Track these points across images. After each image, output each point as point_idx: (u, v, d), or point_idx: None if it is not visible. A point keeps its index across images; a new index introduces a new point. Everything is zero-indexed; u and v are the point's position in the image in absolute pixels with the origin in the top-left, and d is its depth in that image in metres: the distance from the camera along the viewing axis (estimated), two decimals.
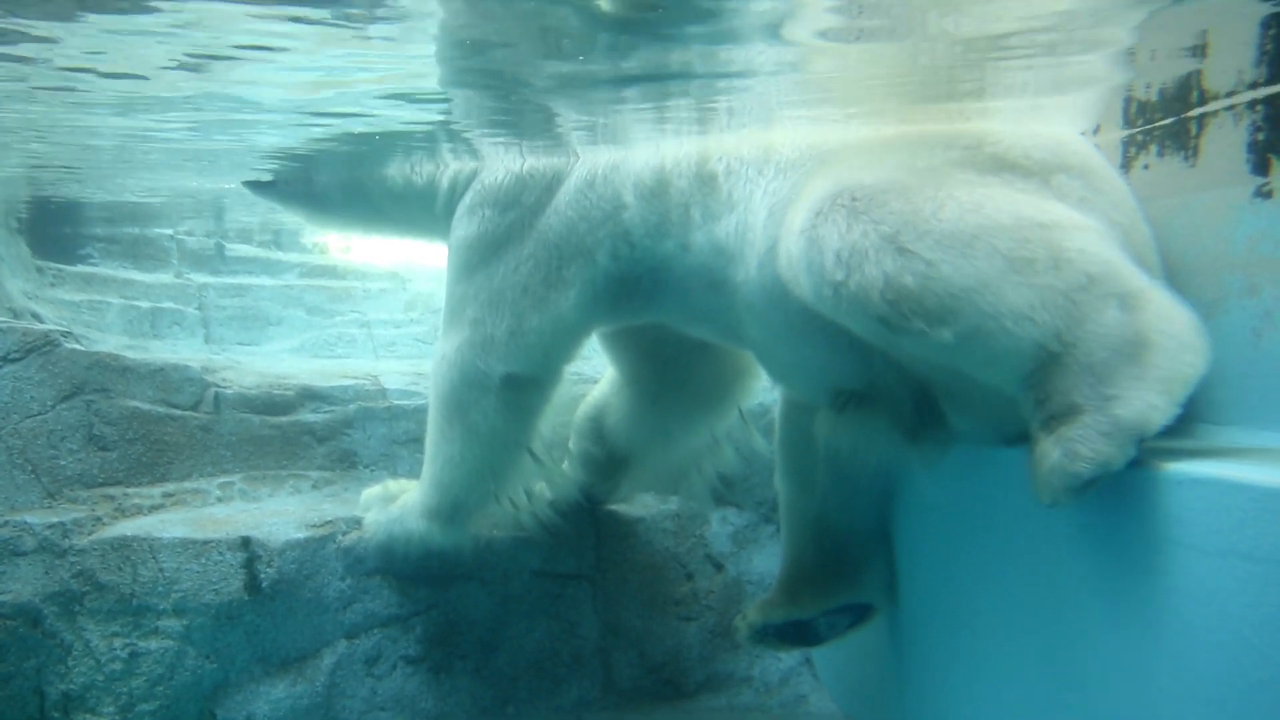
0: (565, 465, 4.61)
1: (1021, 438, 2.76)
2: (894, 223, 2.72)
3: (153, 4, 2.60)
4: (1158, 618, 2.28)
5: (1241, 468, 2.19)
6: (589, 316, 3.89)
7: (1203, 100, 3.04)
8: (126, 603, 4.15)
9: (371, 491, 4.51)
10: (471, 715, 4.51)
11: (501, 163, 4.07)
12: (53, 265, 6.22)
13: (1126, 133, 3.38)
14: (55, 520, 4.27)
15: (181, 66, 3.20)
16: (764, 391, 4.47)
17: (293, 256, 7.12)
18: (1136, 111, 3.35)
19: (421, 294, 7.02)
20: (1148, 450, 2.40)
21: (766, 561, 4.94)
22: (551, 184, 3.91)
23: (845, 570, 3.79)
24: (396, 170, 4.43)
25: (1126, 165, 3.37)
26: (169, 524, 4.37)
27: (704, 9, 2.67)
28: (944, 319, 2.62)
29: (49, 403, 4.60)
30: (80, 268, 6.37)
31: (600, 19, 2.75)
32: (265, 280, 6.87)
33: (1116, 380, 2.45)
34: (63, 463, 4.58)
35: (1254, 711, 2.03)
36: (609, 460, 4.60)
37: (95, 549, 4.20)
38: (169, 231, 6.79)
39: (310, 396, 5.10)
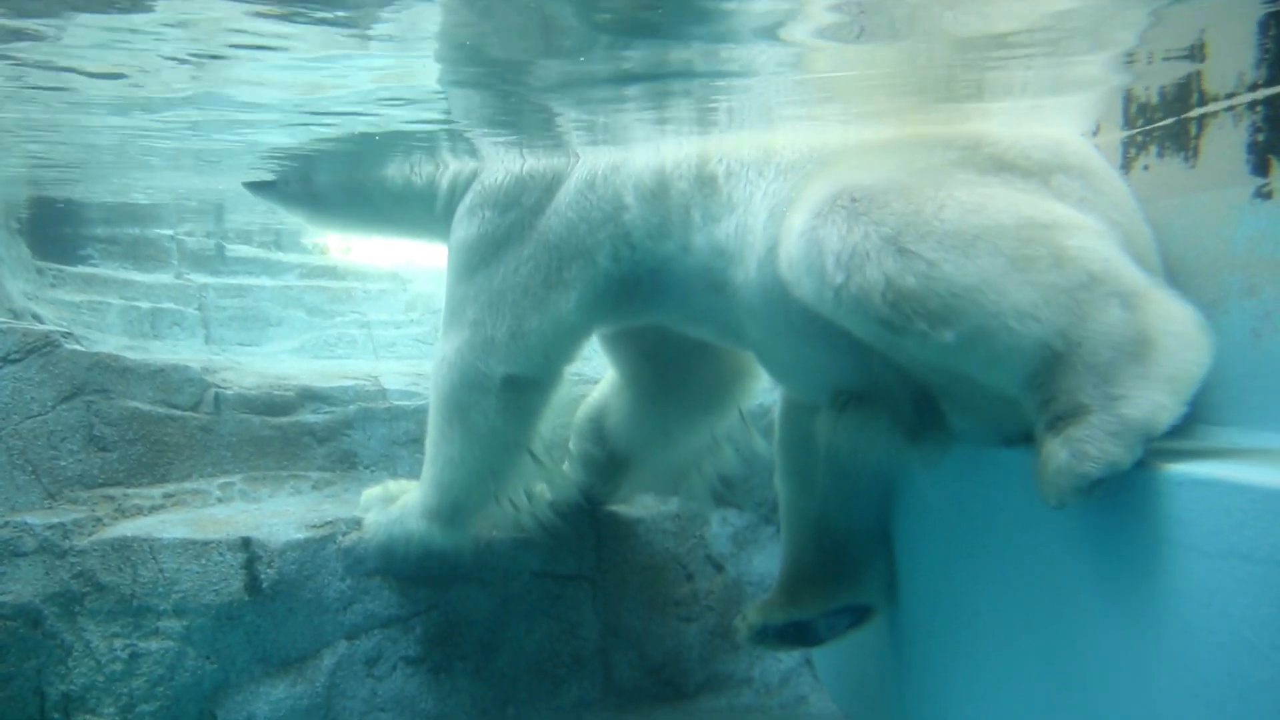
0: (565, 466, 4.62)
1: (1022, 438, 2.76)
2: (895, 223, 2.72)
3: (150, 2, 2.61)
4: (1157, 618, 2.28)
5: (1241, 468, 2.19)
6: (589, 318, 3.89)
7: (1203, 101, 3.04)
8: (127, 603, 4.16)
9: (371, 492, 4.51)
10: (471, 716, 4.51)
11: (501, 164, 4.07)
12: (53, 266, 6.22)
13: (1126, 133, 3.38)
14: (55, 521, 4.27)
15: (180, 65, 3.20)
16: (764, 392, 4.47)
17: (293, 257, 7.12)
18: (1136, 112, 3.35)
19: (422, 295, 7.02)
20: (1148, 451, 2.40)
21: (767, 562, 4.94)
22: (551, 185, 3.91)
23: (845, 571, 3.79)
24: (396, 171, 4.43)
25: (1126, 166, 3.37)
26: (169, 525, 4.37)
27: (704, 8, 2.67)
28: (946, 319, 2.61)
29: (49, 403, 4.60)
30: (80, 268, 6.36)
31: (600, 18, 2.75)
32: (265, 281, 6.87)
33: (1122, 380, 2.44)
34: (63, 463, 4.58)
35: (1254, 712, 2.03)
36: (609, 461, 4.60)
37: (95, 550, 4.20)
38: (169, 232, 6.78)
39: (310, 397, 5.11)
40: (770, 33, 2.82)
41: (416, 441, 4.68)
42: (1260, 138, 2.82)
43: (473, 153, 4.22)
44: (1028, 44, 2.93)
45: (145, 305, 6.33)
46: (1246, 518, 2.05)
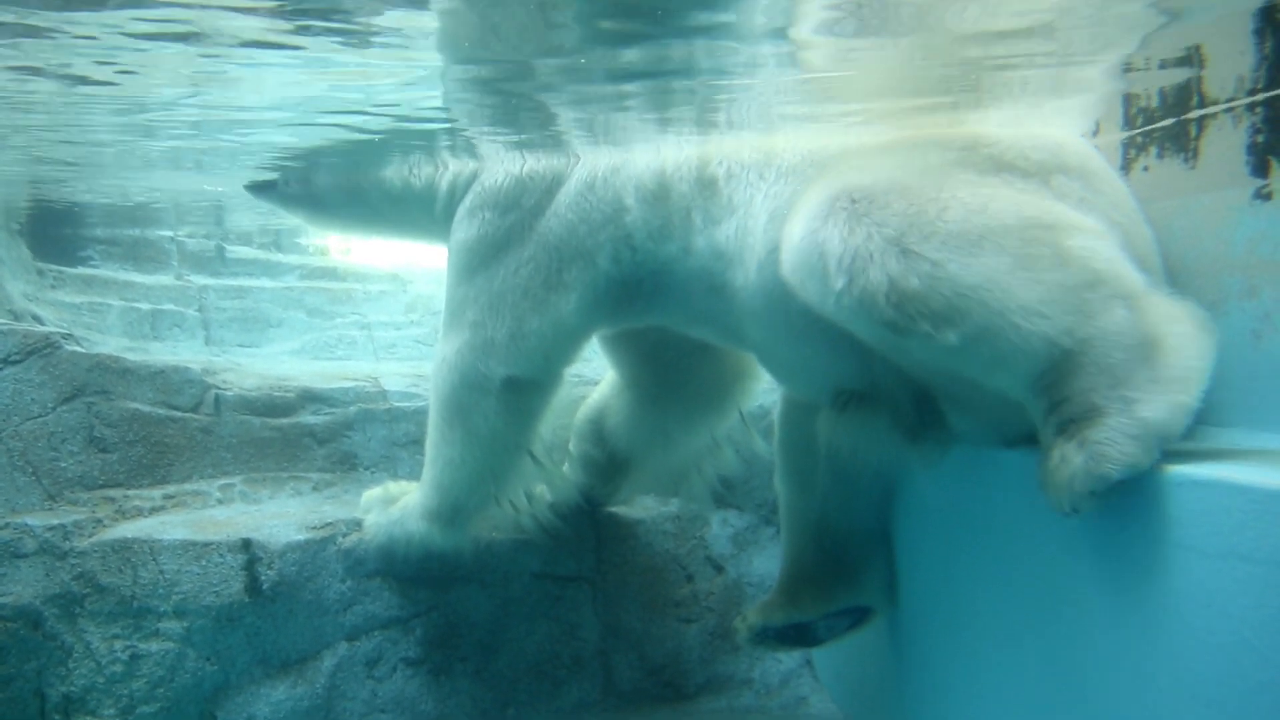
0: (565, 467, 4.61)
1: (1022, 439, 2.76)
2: (897, 224, 2.71)
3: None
4: (1158, 619, 2.28)
5: (1242, 469, 2.19)
6: (590, 319, 3.89)
7: (1203, 103, 3.05)
8: (127, 605, 4.16)
9: (372, 493, 4.51)
10: (472, 717, 4.51)
11: (501, 165, 4.07)
12: (53, 267, 6.22)
13: (1126, 134, 3.38)
14: (56, 522, 4.27)
15: (181, 66, 3.21)
16: (764, 393, 4.48)
17: (293, 258, 7.12)
18: (1136, 113, 3.35)
19: (422, 296, 7.02)
20: None
21: (767, 563, 4.94)
22: (551, 186, 3.91)
23: (845, 572, 3.79)
24: (395, 173, 4.43)
25: (1126, 167, 3.37)
26: (169, 526, 4.37)
27: (704, 7, 2.67)
28: (951, 319, 2.60)
29: (50, 405, 4.60)
30: (81, 270, 6.36)
31: (602, 23, 2.75)
32: (265, 282, 6.86)
33: (1135, 382, 2.43)
34: (63, 465, 4.58)
35: (1254, 713, 2.03)
36: (609, 462, 4.60)
37: (96, 551, 4.20)
38: (169, 234, 6.78)
39: (311, 398, 5.11)
40: (769, 30, 2.82)
41: (417, 443, 4.68)
42: (1260, 139, 2.83)
43: (473, 153, 4.22)
44: (1026, 49, 2.94)
45: (145, 307, 6.33)
46: (1247, 519, 2.05)
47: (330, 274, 7.09)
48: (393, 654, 4.45)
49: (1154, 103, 3.27)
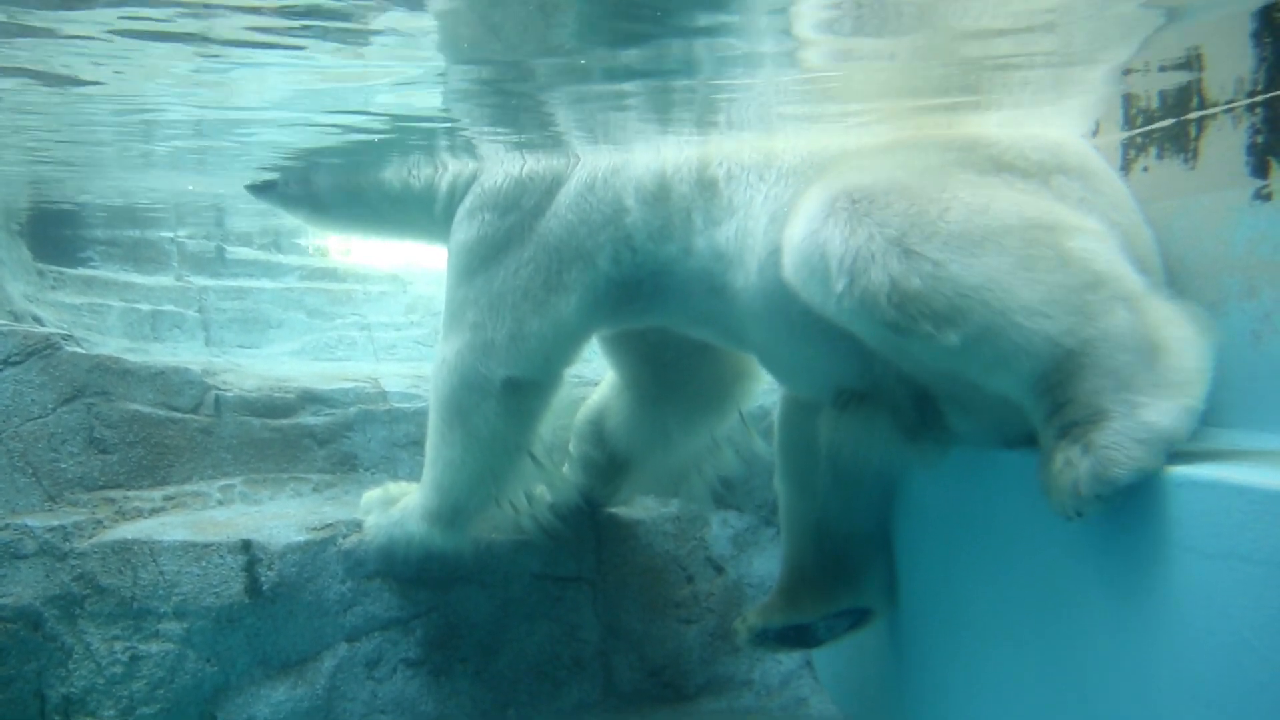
0: (565, 468, 4.61)
1: (1022, 441, 2.76)
2: (899, 225, 2.71)
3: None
4: (1158, 620, 2.28)
5: (1242, 470, 2.19)
6: (590, 320, 3.89)
7: (1202, 104, 3.05)
8: (127, 606, 4.16)
9: (372, 494, 4.51)
10: (472, 718, 4.51)
11: (501, 166, 4.07)
12: (53, 268, 6.22)
13: (1126, 135, 3.38)
14: (56, 523, 4.27)
15: (180, 68, 3.21)
16: (764, 394, 4.48)
17: (293, 259, 7.12)
18: (1136, 113, 3.35)
19: (422, 297, 7.02)
20: None
21: (767, 564, 4.94)
22: (551, 187, 3.91)
23: (845, 574, 3.79)
24: (394, 174, 4.43)
25: (1126, 167, 3.37)
26: (169, 527, 4.37)
27: (704, 6, 2.67)
28: (952, 320, 2.59)
29: (50, 406, 4.60)
30: (81, 271, 6.37)
31: (600, 15, 2.75)
32: (265, 283, 6.87)
33: (1139, 385, 2.42)
34: (63, 466, 4.59)
35: (1254, 714, 2.03)
36: (609, 463, 4.60)
37: (96, 552, 4.20)
38: (169, 234, 6.79)
39: (311, 399, 5.11)
40: (770, 29, 2.81)
41: (417, 444, 4.68)
42: (1259, 140, 2.83)
43: (472, 153, 4.22)
44: (1027, 48, 2.94)
45: (146, 307, 6.33)
46: (1247, 519, 2.05)
47: (330, 275, 7.09)
48: (393, 655, 4.45)
49: (1154, 103, 3.27)
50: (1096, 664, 2.51)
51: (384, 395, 5.19)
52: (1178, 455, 2.36)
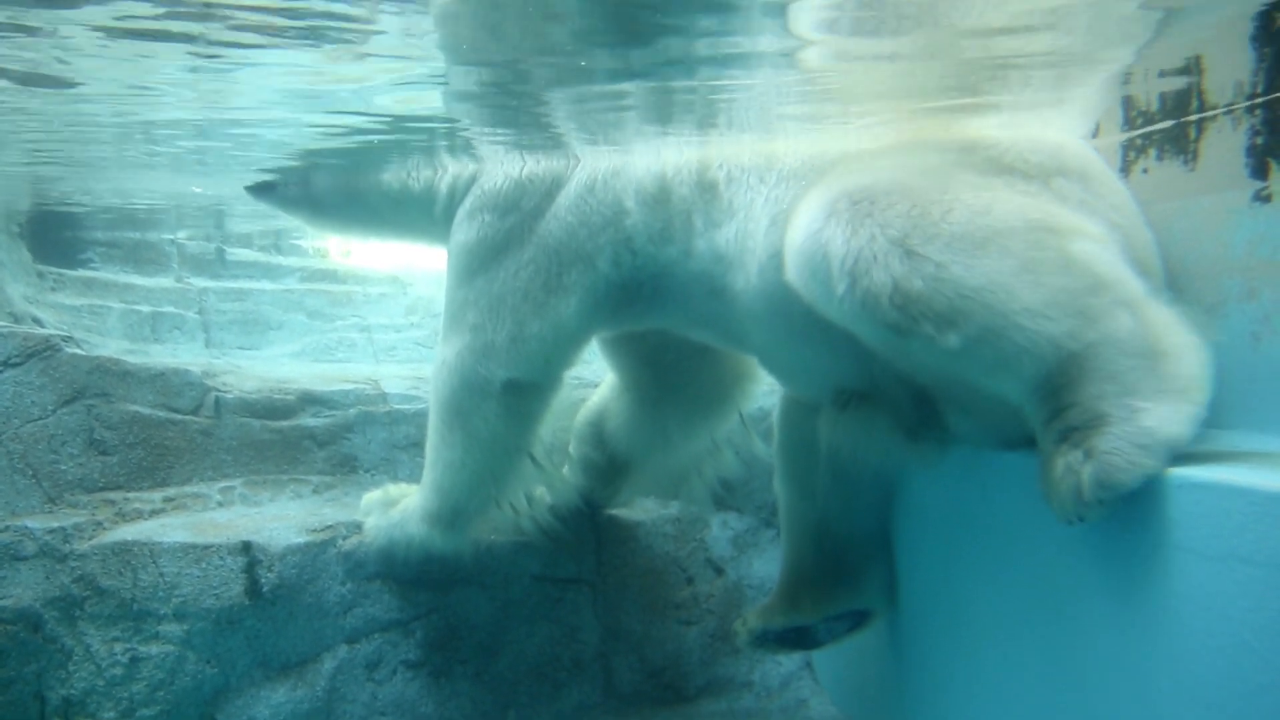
0: (565, 470, 4.62)
1: (1021, 442, 2.76)
2: (901, 226, 2.71)
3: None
4: (1158, 621, 2.28)
5: (1241, 472, 2.19)
6: (590, 322, 3.89)
7: (1202, 106, 3.05)
8: (127, 607, 4.16)
9: (372, 496, 4.51)
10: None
11: (501, 167, 4.07)
12: (53, 270, 6.22)
13: (1126, 136, 3.39)
14: (56, 525, 4.27)
15: (181, 69, 3.21)
16: (764, 395, 4.48)
17: (293, 261, 7.12)
18: (1136, 115, 3.36)
19: (422, 298, 7.02)
20: None
21: (767, 565, 4.94)
22: (551, 189, 3.91)
23: (845, 575, 3.79)
24: (393, 175, 4.43)
25: (1126, 169, 3.38)
26: (169, 529, 4.37)
27: (704, 5, 2.67)
28: (953, 321, 2.59)
29: (50, 407, 4.60)
30: (81, 272, 6.37)
31: (600, 16, 2.74)
32: (266, 284, 6.87)
33: (1141, 389, 2.42)
34: (63, 467, 4.59)
35: (1254, 715, 2.03)
36: (609, 465, 4.60)
37: (96, 554, 4.20)
38: (169, 236, 6.79)
39: (311, 401, 5.11)
40: (770, 27, 2.81)
41: (417, 445, 4.68)
42: (1259, 141, 2.83)
43: (471, 153, 4.22)
44: (1028, 47, 2.94)
45: (146, 309, 6.33)
46: (1246, 521, 2.05)
47: (330, 276, 7.10)
48: (393, 656, 4.45)
49: (1153, 105, 3.27)
50: (1096, 665, 2.51)
51: (384, 397, 5.19)
52: (1177, 457, 2.36)
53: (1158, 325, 2.53)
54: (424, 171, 4.35)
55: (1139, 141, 3.32)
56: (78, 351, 4.75)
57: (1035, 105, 3.44)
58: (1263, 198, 2.81)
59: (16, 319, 5.26)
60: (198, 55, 3.05)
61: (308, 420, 5.06)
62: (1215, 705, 2.12)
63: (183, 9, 2.65)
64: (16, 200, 6.06)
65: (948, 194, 2.78)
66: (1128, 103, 3.39)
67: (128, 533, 4.32)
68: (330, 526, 4.43)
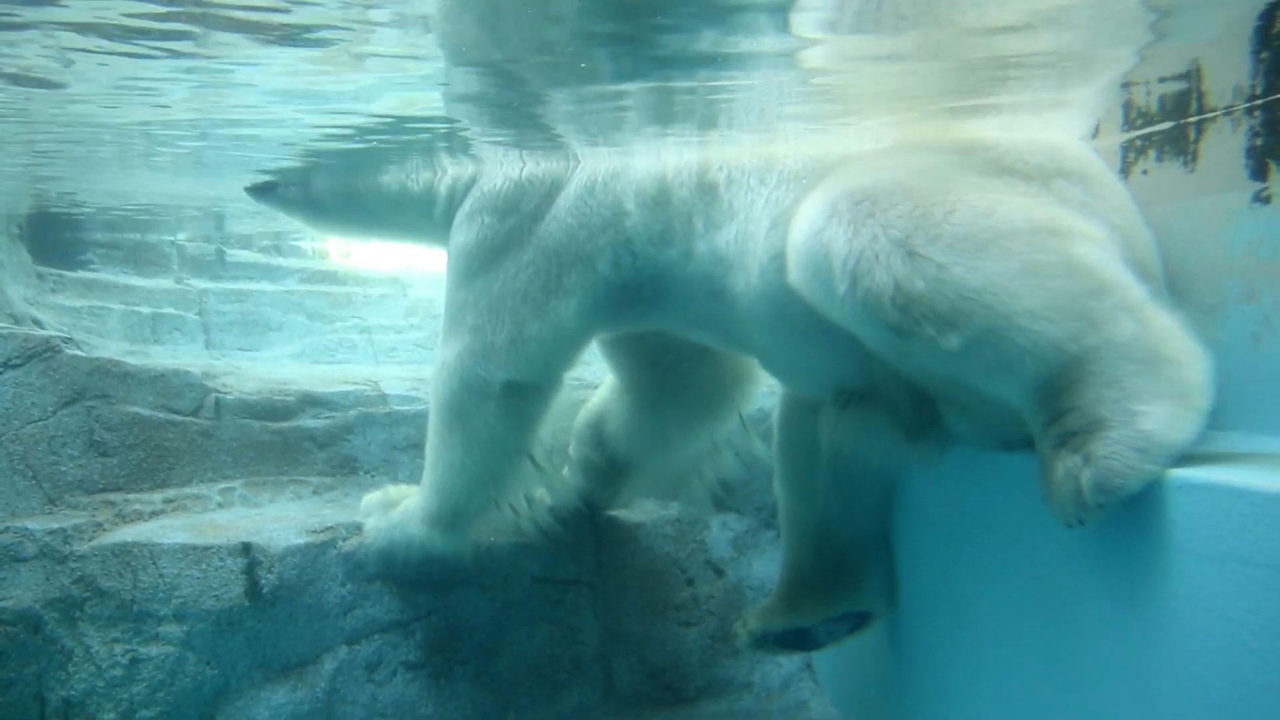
0: (565, 471, 4.62)
1: (1021, 443, 2.76)
2: (904, 226, 2.71)
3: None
4: (1157, 623, 2.28)
5: (1241, 473, 2.19)
6: (590, 324, 3.89)
7: (1201, 107, 3.05)
8: (127, 609, 4.16)
9: (372, 497, 4.51)
10: None
11: (500, 169, 4.08)
12: (53, 271, 6.23)
13: (1125, 137, 3.39)
14: (56, 526, 4.27)
15: (181, 72, 3.21)
16: (763, 396, 4.48)
17: (293, 262, 7.13)
18: (1135, 116, 3.36)
19: (422, 299, 7.03)
20: None
21: (767, 566, 4.94)
22: (551, 190, 3.91)
23: (845, 577, 3.79)
24: (392, 177, 4.43)
25: (1126, 170, 3.37)
26: (170, 530, 4.37)
27: (705, 4, 2.66)
28: (954, 322, 2.58)
29: (50, 409, 4.61)
30: (81, 273, 6.38)
31: (600, 17, 2.74)
32: (266, 286, 6.87)
33: (1141, 394, 2.41)
34: (63, 469, 4.59)
35: (1254, 717, 2.03)
36: (609, 466, 4.60)
37: (96, 555, 4.20)
38: (169, 237, 6.80)
39: (311, 402, 5.11)
40: (771, 25, 2.81)
41: (417, 446, 4.68)
42: (1259, 142, 2.83)
43: (470, 155, 4.22)
44: (1029, 47, 2.94)
45: (146, 310, 6.34)
46: (1246, 522, 2.05)
47: (330, 278, 7.11)
48: (393, 658, 4.45)
49: (1153, 106, 3.27)
50: (1096, 667, 2.51)
51: (384, 398, 5.19)
52: (1177, 458, 2.36)
53: (1159, 330, 2.52)
54: (423, 173, 4.35)
55: (1139, 143, 3.32)
56: (78, 353, 4.76)
57: (1036, 106, 3.44)
58: (1262, 199, 2.81)
59: (17, 320, 5.27)
60: (196, 55, 3.05)
61: (308, 421, 5.07)
62: (1215, 706, 2.12)
63: (179, 8, 2.65)
64: (17, 202, 6.07)
65: (950, 195, 2.78)
66: (1127, 104, 3.39)
67: (128, 534, 4.32)
68: (330, 528, 4.44)
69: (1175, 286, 2.97)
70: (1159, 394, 2.41)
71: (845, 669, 4.55)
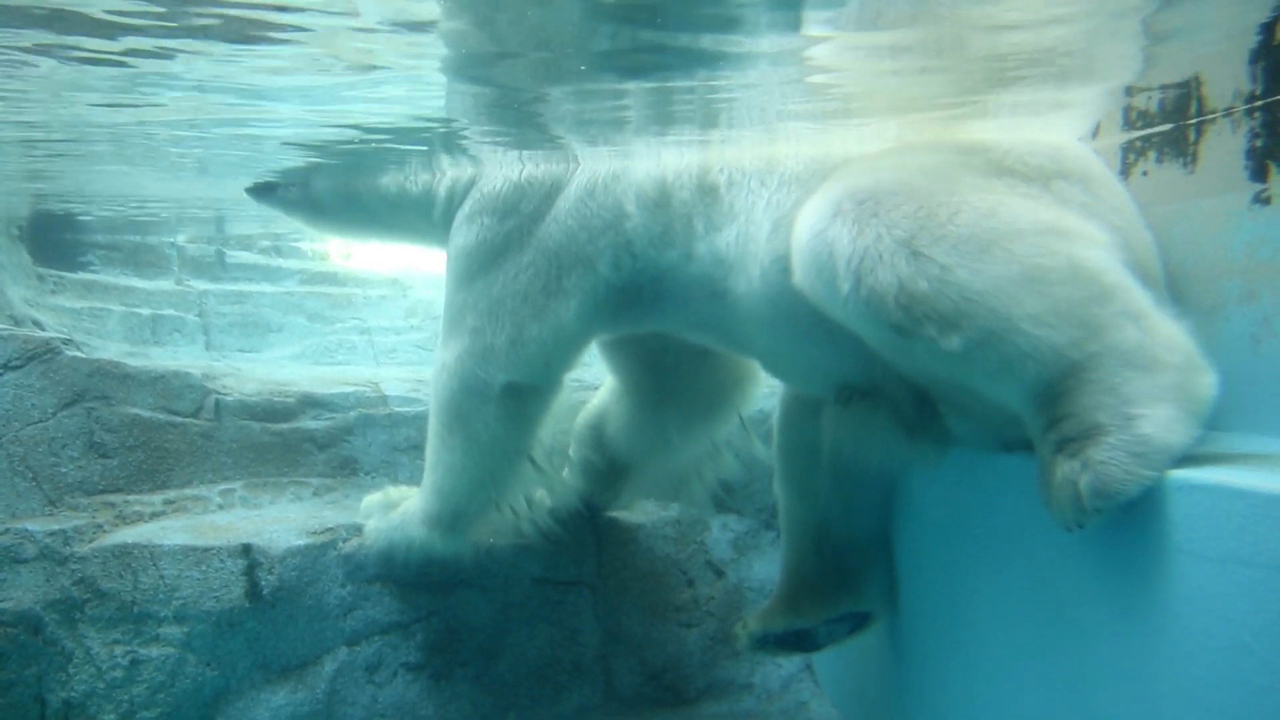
0: (565, 473, 4.62)
1: (1020, 444, 2.76)
2: (908, 226, 2.70)
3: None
4: (1158, 623, 2.28)
5: (1241, 474, 2.19)
6: (590, 325, 3.89)
7: (1201, 108, 3.05)
8: (127, 610, 4.16)
9: (372, 498, 4.52)
10: None
11: (500, 171, 4.08)
12: (53, 272, 6.23)
13: (1125, 138, 3.39)
14: (56, 528, 4.27)
15: (181, 74, 3.21)
16: (764, 398, 4.48)
17: (293, 263, 7.13)
18: (1136, 117, 3.36)
19: (422, 301, 7.03)
20: None
21: (767, 568, 4.94)
22: (551, 192, 3.91)
23: (846, 578, 3.79)
24: (391, 179, 4.43)
25: (1126, 171, 3.38)
26: (170, 531, 4.37)
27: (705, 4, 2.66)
28: (956, 324, 2.59)
29: (50, 410, 4.61)
30: (81, 275, 6.38)
31: (601, 17, 2.74)
32: (266, 287, 6.88)
33: (1140, 400, 2.41)
34: (64, 470, 4.59)
35: (1254, 717, 2.03)
36: (609, 468, 4.60)
37: (96, 556, 4.20)
38: (169, 239, 6.80)
39: (311, 403, 5.11)
40: (772, 23, 2.80)
41: (417, 448, 4.68)
42: (1259, 143, 2.83)
43: (470, 156, 4.22)
44: (1028, 48, 2.93)
45: (146, 312, 6.34)
46: (1246, 523, 2.05)
47: (330, 279, 7.11)
48: (393, 659, 4.45)
49: (1153, 107, 3.27)
50: (1096, 668, 2.51)
51: (384, 399, 5.19)
52: (1177, 460, 2.36)
53: (1161, 336, 2.52)
54: (422, 175, 4.35)
55: (1139, 144, 3.33)
56: (78, 354, 4.76)
57: (1036, 106, 3.44)
58: (1262, 200, 2.81)
59: (17, 322, 5.27)
60: (194, 55, 3.05)
61: (308, 423, 5.07)
62: (1215, 707, 2.12)
63: (180, 8, 2.65)
64: (16, 203, 6.07)
65: (955, 196, 2.77)
66: (1127, 105, 3.39)
67: (128, 535, 4.32)
68: (330, 529, 4.44)
69: (1175, 288, 2.97)
70: (1158, 398, 2.42)
71: (845, 670, 4.55)
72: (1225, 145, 2.95)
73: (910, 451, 3.20)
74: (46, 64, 3.11)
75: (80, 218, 6.48)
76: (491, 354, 3.91)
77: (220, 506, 4.79)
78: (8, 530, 4.21)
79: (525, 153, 4.03)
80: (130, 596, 4.15)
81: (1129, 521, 2.35)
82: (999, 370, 2.59)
